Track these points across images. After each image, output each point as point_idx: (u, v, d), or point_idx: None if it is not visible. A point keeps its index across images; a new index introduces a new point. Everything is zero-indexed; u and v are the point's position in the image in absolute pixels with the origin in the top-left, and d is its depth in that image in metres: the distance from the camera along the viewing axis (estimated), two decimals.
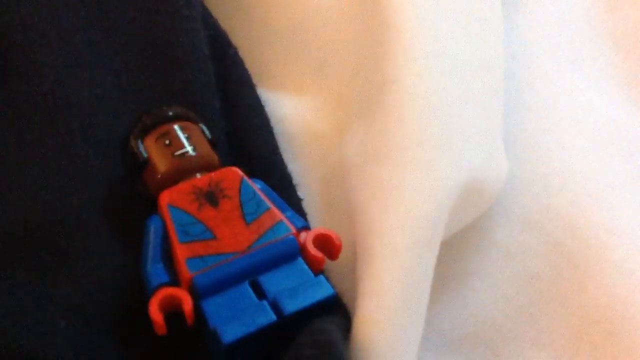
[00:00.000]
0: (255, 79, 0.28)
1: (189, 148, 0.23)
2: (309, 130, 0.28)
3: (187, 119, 0.24)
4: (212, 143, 0.24)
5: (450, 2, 0.26)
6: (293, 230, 0.22)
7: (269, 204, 0.22)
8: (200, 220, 0.22)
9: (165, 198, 0.22)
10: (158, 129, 0.23)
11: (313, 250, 0.22)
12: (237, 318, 0.20)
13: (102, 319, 0.22)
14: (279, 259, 0.22)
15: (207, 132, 0.24)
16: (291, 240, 0.22)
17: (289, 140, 0.27)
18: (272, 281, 0.21)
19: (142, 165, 0.23)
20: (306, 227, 0.23)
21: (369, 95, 0.26)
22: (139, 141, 0.23)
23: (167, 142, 0.23)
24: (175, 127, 0.23)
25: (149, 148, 0.23)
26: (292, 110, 0.28)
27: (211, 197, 0.22)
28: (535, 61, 0.30)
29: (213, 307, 0.20)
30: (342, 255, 0.23)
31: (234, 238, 0.21)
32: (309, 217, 0.25)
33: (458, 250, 0.27)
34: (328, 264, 0.23)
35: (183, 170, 0.23)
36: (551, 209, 0.26)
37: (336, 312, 0.23)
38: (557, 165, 0.27)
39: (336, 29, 0.28)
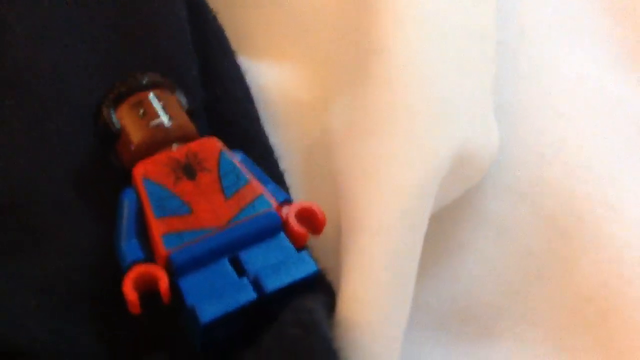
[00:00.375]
0: (235, 46, 0.27)
1: (164, 118, 0.22)
2: (291, 99, 0.27)
3: (163, 87, 0.23)
4: (190, 112, 0.23)
5: None
6: (274, 204, 0.21)
7: (248, 176, 0.22)
8: (176, 194, 0.21)
9: (140, 170, 0.21)
10: (132, 98, 0.22)
11: (295, 225, 0.21)
12: (216, 296, 0.19)
13: (76, 298, 0.21)
14: (259, 235, 0.21)
15: (184, 101, 0.23)
16: (272, 215, 0.21)
17: (270, 110, 0.27)
18: (252, 258, 0.21)
19: (115, 136, 0.22)
20: (288, 201, 0.22)
21: (355, 63, 0.25)
22: (112, 110, 0.23)
23: (141, 111, 0.22)
24: (150, 95, 0.22)
25: (123, 118, 0.22)
26: (273, 78, 0.27)
27: (188, 169, 0.22)
28: (529, 30, 0.29)
29: (190, 285, 0.20)
30: (327, 230, 0.22)
31: (213, 213, 0.21)
32: (291, 189, 0.25)
33: (449, 223, 0.26)
34: (311, 238, 0.22)
35: (158, 141, 0.22)
36: (545, 181, 0.26)
37: (320, 289, 0.22)
38: (550, 136, 0.27)
39: None
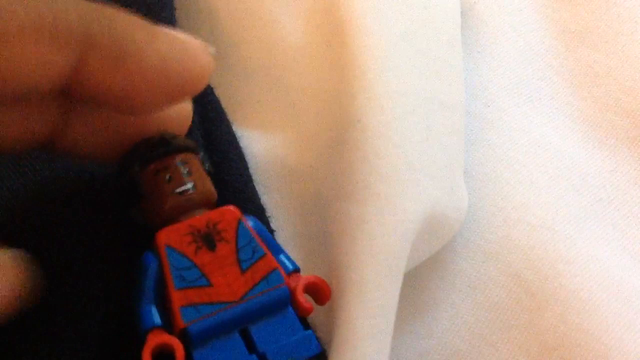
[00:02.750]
0: (230, 117, 0.29)
1: (189, 185, 0.22)
2: (281, 165, 0.28)
3: (188, 150, 0.23)
4: (209, 173, 0.23)
5: (412, 44, 0.28)
6: (285, 278, 0.22)
7: (264, 249, 0.22)
8: (196, 264, 0.21)
9: (163, 238, 0.21)
10: (159, 162, 0.22)
11: (303, 300, 0.22)
12: None
13: None
14: (270, 308, 0.21)
15: (207, 164, 0.23)
16: (283, 291, 0.22)
17: (262, 174, 0.28)
18: (262, 333, 0.21)
19: (139, 196, 0.22)
20: (297, 270, 0.23)
21: (336, 133, 0.27)
22: (138, 171, 0.22)
23: (167, 177, 0.22)
24: (178, 161, 0.22)
25: (148, 181, 0.22)
26: (264, 146, 0.29)
27: (208, 239, 0.22)
28: (495, 100, 0.31)
29: (204, 358, 0.20)
30: None
31: (229, 287, 0.21)
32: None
33: (423, 280, 0.28)
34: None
35: (182, 209, 0.22)
36: (510, 241, 0.28)
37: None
38: (515, 199, 0.28)
39: (306, 70, 0.29)
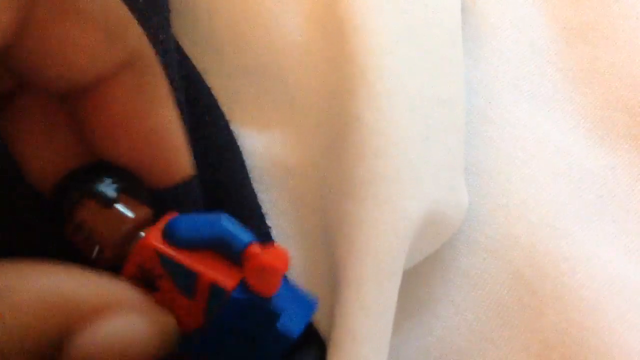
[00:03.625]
0: (227, 116, 0.29)
1: (95, 250, 0.20)
2: (279, 164, 0.28)
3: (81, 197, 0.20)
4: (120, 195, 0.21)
5: (412, 42, 0.28)
6: (227, 286, 0.19)
7: (194, 268, 0.20)
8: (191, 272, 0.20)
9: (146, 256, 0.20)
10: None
11: (259, 286, 0.20)
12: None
13: None
14: (232, 314, 0.20)
15: (109, 192, 0.21)
16: (235, 300, 0.19)
17: (260, 173, 0.28)
18: (242, 328, 0.20)
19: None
20: (254, 241, 0.20)
21: (335, 131, 0.27)
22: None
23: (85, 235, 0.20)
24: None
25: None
26: (263, 144, 0.29)
27: (148, 282, 0.20)
28: (496, 96, 0.31)
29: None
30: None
31: (188, 316, 0.20)
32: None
33: (423, 278, 0.28)
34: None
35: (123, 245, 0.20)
36: (511, 238, 0.28)
37: (312, 341, 0.24)
38: (516, 196, 0.28)
39: (305, 67, 0.29)
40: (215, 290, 0.19)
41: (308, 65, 0.29)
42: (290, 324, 0.20)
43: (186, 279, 0.20)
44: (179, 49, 0.29)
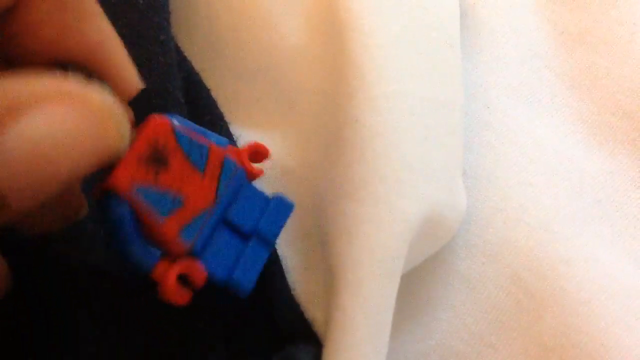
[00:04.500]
0: (227, 117, 0.29)
1: None
2: (279, 165, 0.28)
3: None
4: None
5: (411, 45, 0.28)
6: (237, 160, 0.22)
7: (205, 142, 0.21)
8: (163, 190, 0.20)
9: (122, 179, 0.19)
10: None
11: (251, 167, 0.23)
12: (240, 265, 0.22)
13: None
14: (237, 192, 0.22)
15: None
16: (242, 173, 0.22)
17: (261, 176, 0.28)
18: (242, 215, 0.22)
19: None
20: (231, 143, 0.23)
21: (334, 132, 0.27)
22: None
23: None
24: None
25: None
26: None
27: (159, 159, 0.20)
28: (495, 101, 0.31)
29: (215, 266, 0.21)
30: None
31: (199, 195, 0.21)
32: (278, 246, 0.27)
33: (422, 281, 0.28)
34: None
35: None
36: (509, 242, 0.28)
37: (309, 340, 0.24)
38: (514, 200, 0.28)
39: (304, 69, 0.29)
40: (227, 164, 0.22)
41: (307, 67, 0.29)
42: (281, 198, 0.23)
43: (199, 153, 0.21)
44: (178, 50, 0.29)
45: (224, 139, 0.22)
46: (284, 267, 0.26)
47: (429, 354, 0.27)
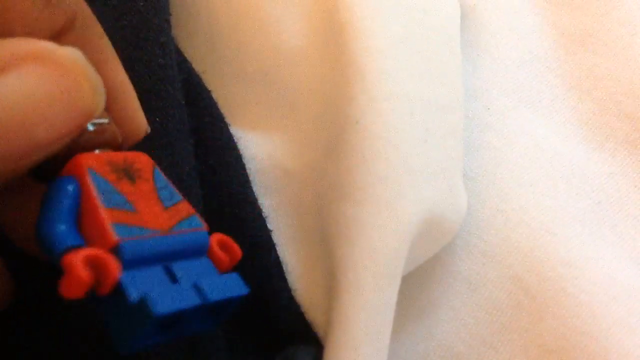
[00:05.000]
0: (228, 119, 0.29)
1: (105, 120, 0.20)
2: (280, 167, 0.28)
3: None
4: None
5: (412, 46, 0.28)
6: (206, 225, 0.21)
7: (181, 195, 0.21)
8: (120, 191, 0.19)
9: (84, 161, 0.19)
10: None
11: (219, 252, 0.21)
12: (164, 294, 0.18)
13: None
14: (190, 251, 0.20)
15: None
16: (205, 235, 0.21)
17: (261, 176, 0.28)
18: (186, 271, 0.20)
19: None
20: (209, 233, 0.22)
21: (335, 134, 0.27)
22: None
23: None
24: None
25: None
26: (263, 148, 0.29)
27: (128, 173, 0.20)
28: (495, 102, 0.31)
29: (133, 279, 0.18)
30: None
31: (155, 217, 0.20)
32: (279, 248, 0.27)
33: (422, 282, 0.28)
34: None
35: (102, 143, 0.20)
36: (510, 243, 0.28)
37: (309, 341, 0.24)
38: (515, 202, 0.28)
39: (305, 71, 0.29)
40: (193, 219, 0.20)
41: (307, 69, 0.29)
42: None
43: (170, 196, 0.20)
44: (179, 52, 0.29)
45: (202, 223, 0.21)
46: (284, 268, 0.26)
47: (430, 355, 0.27)
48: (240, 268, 0.25)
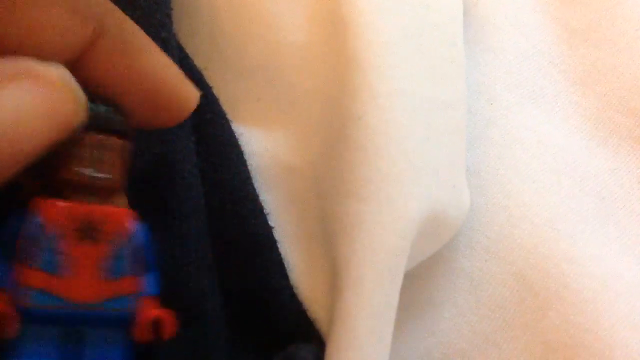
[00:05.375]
0: (229, 115, 0.29)
1: (103, 175, 0.20)
2: (281, 163, 0.28)
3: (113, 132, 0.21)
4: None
5: (414, 42, 0.28)
6: (138, 302, 0.20)
7: (133, 269, 0.20)
8: (60, 251, 0.19)
9: (50, 210, 0.19)
10: (91, 134, 0.20)
11: (143, 330, 0.20)
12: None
13: None
14: (108, 324, 0.20)
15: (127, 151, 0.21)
16: (124, 317, 0.20)
17: (262, 172, 0.28)
18: (93, 337, 0.20)
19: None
20: (156, 296, 0.21)
21: (337, 130, 0.27)
22: None
23: (94, 153, 0.20)
24: (127, 147, 0.21)
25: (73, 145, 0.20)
26: (264, 144, 0.29)
27: (89, 232, 0.20)
28: (498, 98, 0.31)
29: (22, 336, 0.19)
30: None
31: (83, 288, 0.19)
32: (281, 245, 0.26)
33: (425, 279, 0.28)
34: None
35: (92, 191, 0.20)
36: (513, 240, 0.27)
37: (311, 339, 0.24)
38: (518, 198, 0.28)
39: (307, 67, 0.29)
40: (126, 299, 0.20)
41: (309, 65, 0.29)
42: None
43: (118, 270, 0.20)
44: (180, 48, 0.29)
45: (155, 290, 0.21)
46: (285, 265, 0.26)
47: (432, 352, 0.27)
48: (241, 265, 0.25)
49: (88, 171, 0.20)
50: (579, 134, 0.31)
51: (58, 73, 0.19)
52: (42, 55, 0.19)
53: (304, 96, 0.29)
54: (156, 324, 0.21)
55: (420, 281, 0.28)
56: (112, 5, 0.21)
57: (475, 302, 0.27)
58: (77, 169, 0.20)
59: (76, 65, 0.20)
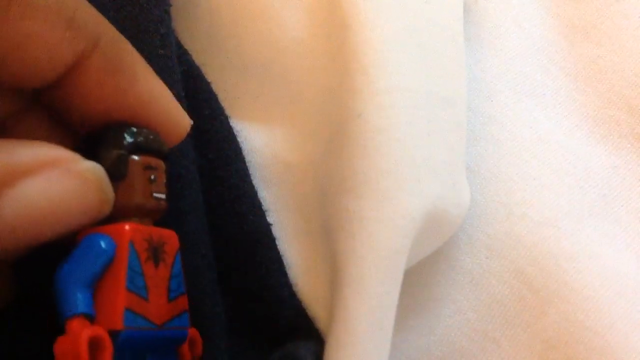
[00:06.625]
0: (228, 111, 0.29)
1: (163, 195, 0.21)
2: (280, 160, 0.28)
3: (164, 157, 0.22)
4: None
5: (414, 39, 0.28)
6: (190, 325, 0.22)
7: (184, 287, 0.21)
8: (144, 273, 0.20)
9: (130, 233, 0.20)
10: (152, 157, 0.21)
11: (186, 349, 0.22)
12: None
13: None
14: (168, 343, 0.21)
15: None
16: (185, 334, 0.21)
17: (261, 169, 0.28)
18: None
19: (116, 178, 0.21)
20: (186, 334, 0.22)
21: (336, 127, 0.26)
22: (126, 154, 0.21)
23: (152, 177, 0.21)
24: (164, 167, 0.22)
25: (133, 171, 0.21)
26: (263, 141, 0.29)
27: (156, 254, 0.21)
28: (498, 95, 0.31)
29: None
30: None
31: (158, 309, 0.20)
32: (279, 242, 0.26)
33: (425, 276, 0.28)
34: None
35: (150, 214, 0.21)
36: (513, 237, 0.27)
37: (310, 337, 0.24)
38: (518, 195, 0.28)
39: (306, 64, 0.29)
40: (184, 317, 0.21)
41: (309, 61, 0.29)
42: None
43: (177, 287, 0.21)
44: (178, 44, 0.29)
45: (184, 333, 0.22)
46: (285, 263, 0.26)
47: (432, 349, 0.27)
48: (240, 263, 0.25)
49: (162, 195, 0.21)
50: (580, 131, 0.31)
51: (88, 167, 0.19)
52: (27, 67, 0.19)
53: (303, 93, 0.29)
54: (192, 340, 0.22)
55: (421, 279, 0.27)
56: (109, 26, 0.21)
57: (475, 300, 0.27)
58: (155, 194, 0.21)
59: (63, 81, 0.20)
